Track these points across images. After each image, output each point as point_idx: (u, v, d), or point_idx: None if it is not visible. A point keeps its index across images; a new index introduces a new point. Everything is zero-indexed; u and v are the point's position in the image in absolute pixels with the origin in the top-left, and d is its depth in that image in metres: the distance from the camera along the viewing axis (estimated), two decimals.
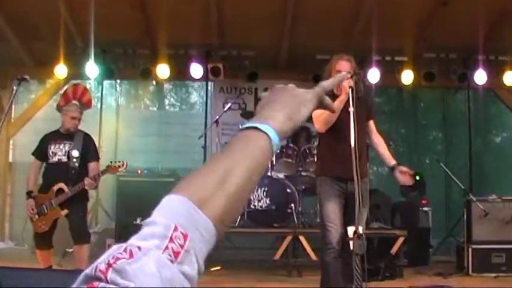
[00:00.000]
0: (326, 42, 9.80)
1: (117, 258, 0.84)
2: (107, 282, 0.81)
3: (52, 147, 7.06)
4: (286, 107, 1.23)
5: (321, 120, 5.48)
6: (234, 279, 7.96)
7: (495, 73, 10.83)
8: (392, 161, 5.70)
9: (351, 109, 5.02)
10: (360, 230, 4.84)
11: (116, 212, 9.36)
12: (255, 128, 1.13)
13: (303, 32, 10.35)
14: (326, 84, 1.38)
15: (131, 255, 0.85)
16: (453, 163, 11.81)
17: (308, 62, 10.54)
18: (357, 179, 4.77)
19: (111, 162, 7.09)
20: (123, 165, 6.95)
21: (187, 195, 0.96)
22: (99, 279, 0.81)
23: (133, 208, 8.38)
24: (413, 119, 12.98)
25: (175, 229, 0.90)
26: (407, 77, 10.79)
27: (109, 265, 0.83)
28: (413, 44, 10.34)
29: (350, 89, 5.15)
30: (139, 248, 0.86)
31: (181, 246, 0.89)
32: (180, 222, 0.92)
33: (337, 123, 5.39)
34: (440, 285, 7.32)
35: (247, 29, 10.41)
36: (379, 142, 5.80)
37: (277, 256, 8.49)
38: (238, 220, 8.64)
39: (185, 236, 0.90)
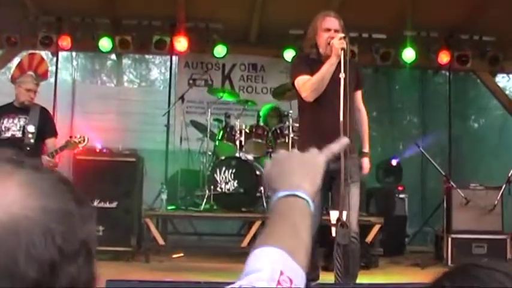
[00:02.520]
0: (300, 17, 9.63)
1: None
2: None
3: (5, 121, 6.83)
4: (307, 175, 1.39)
5: (309, 86, 5.25)
6: (197, 268, 7.81)
7: (478, 54, 10.80)
8: (365, 147, 5.61)
9: (342, 75, 4.84)
10: (344, 216, 4.72)
11: None
12: (294, 195, 1.32)
13: (275, 4, 10.17)
14: (335, 149, 1.56)
15: None
16: (429, 148, 11.79)
17: (280, 37, 10.39)
18: (344, 157, 4.62)
19: (70, 137, 6.89)
20: (83, 140, 6.76)
21: (279, 247, 1.17)
22: None
23: (91, 190, 8.11)
24: (387, 102, 12.92)
25: (282, 273, 1.10)
26: (385, 56, 10.73)
27: None
28: (392, 21, 10.23)
29: (342, 51, 4.94)
30: (254, 287, 1.07)
31: None
32: (284, 268, 1.12)
33: (324, 91, 5.21)
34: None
35: (216, 1, 10.21)
36: (361, 118, 5.65)
37: (245, 243, 8.35)
38: (203, 204, 8.51)
39: (291, 280, 1.10)
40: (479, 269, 1.02)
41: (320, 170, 1.43)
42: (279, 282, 1.06)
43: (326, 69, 5.12)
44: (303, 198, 1.31)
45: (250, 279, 1.08)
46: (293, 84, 5.48)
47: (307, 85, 5.25)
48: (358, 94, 5.59)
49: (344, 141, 1.60)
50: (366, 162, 5.66)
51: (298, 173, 1.38)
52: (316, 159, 1.45)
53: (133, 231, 8.20)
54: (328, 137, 5.33)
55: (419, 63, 11.06)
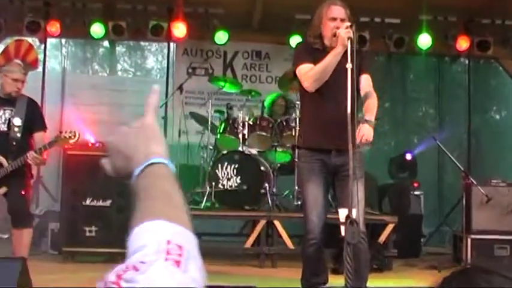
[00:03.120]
0: (307, 0, 9.62)
1: (124, 271, 1.01)
2: None
3: None
4: (148, 139, 1.41)
5: (311, 76, 5.28)
6: None
7: (501, 40, 10.77)
8: (367, 115, 5.37)
9: (349, 65, 4.84)
10: (354, 213, 4.72)
11: (60, 192, 9.12)
12: (149, 165, 1.33)
13: None
14: (152, 100, 1.50)
15: (136, 269, 1.02)
16: (446, 142, 11.80)
17: (285, 22, 10.39)
18: (352, 151, 4.62)
19: (60, 132, 6.84)
20: (74, 136, 6.68)
21: (157, 218, 1.17)
22: None
23: (82, 187, 8.17)
24: (401, 92, 12.91)
25: (169, 242, 1.09)
26: (398, 42, 10.73)
27: (119, 277, 1.00)
28: (407, 4, 10.20)
29: (349, 41, 4.95)
30: (142, 262, 1.03)
31: (180, 256, 1.06)
32: (171, 237, 1.11)
33: (327, 81, 5.23)
34: None
35: None
36: (370, 95, 5.50)
37: (248, 244, 8.39)
38: (203, 202, 8.53)
39: (180, 247, 1.09)
40: (480, 274, 1.02)
41: (156, 128, 1.44)
42: (167, 252, 1.06)
43: (330, 59, 5.14)
44: (159, 163, 1.33)
45: (137, 258, 1.05)
46: (295, 72, 5.51)
47: (309, 74, 5.28)
48: (363, 78, 5.49)
49: (155, 88, 1.54)
50: (366, 128, 5.24)
51: (140, 144, 1.39)
52: (146, 122, 1.44)
53: (128, 232, 8.21)
54: (328, 128, 5.34)
55: (436, 50, 11.05)
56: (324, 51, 5.34)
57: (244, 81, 11.32)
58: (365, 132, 5.20)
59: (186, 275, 1.04)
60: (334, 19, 5.33)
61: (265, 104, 9.58)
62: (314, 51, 5.42)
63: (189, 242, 1.12)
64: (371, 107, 5.37)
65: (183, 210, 1.24)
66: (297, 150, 5.66)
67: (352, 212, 4.68)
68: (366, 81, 5.48)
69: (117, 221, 8.04)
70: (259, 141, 9.04)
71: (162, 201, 1.24)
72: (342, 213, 4.83)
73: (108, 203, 8.09)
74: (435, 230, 10.50)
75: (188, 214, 1.23)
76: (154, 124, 1.45)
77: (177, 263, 1.04)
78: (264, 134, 8.89)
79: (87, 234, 8.17)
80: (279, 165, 9.23)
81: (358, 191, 5.03)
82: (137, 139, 1.40)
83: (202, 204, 8.57)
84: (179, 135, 9.74)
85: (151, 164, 1.33)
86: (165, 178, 1.31)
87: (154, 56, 13.72)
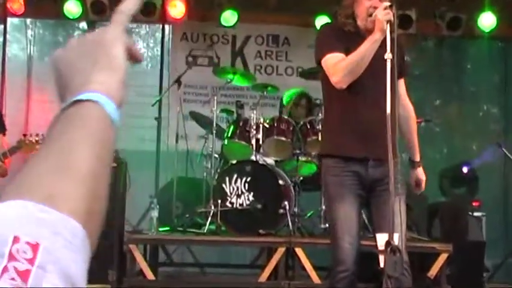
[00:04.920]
0: None
1: None
2: None
3: None
4: (94, 61, 1.22)
5: (342, 68, 5.22)
6: None
7: None
8: (416, 156, 5.63)
9: (388, 55, 4.84)
10: (396, 239, 4.73)
11: None
12: (75, 102, 1.12)
13: None
14: (126, 6, 1.34)
15: None
16: None
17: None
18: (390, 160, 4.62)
19: (24, 135, 6.89)
20: (43, 140, 6.73)
21: (23, 197, 0.92)
22: None
23: None
24: (456, 86, 12.89)
25: (16, 240, 0.85)
26: (453, 23, 10.72)
27: None
28: None
29: (388, 24, 4.96)
30: None
31: (31, 262, 0.84)
32: (23, 230, 0.87)
33: (362, 76, 5.22)
34: None
35: None
36: (407, 114, 5.60)
37: (263, 278, 8.37)
38: (207, 224, 8.54)
39: (35, 246, 0.86)
40: None
41: (113, 47, 1.25)
42: (11, 256, 0.83)
43: (367, 48, 5.12)
44: (90, 100, 1.12)
45: None
46: (319, 63, 5.47)
47: (339, 67, 5.23)
48: (401, 84, 5.56)
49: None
50: (421, 173, 5.67)
51: (81, 65, 1.22)
52: (102, 36, 1.27)
53: (112, 262, 8.23)
54: (364, 133, 5.33)
55: (501, 33, 11.04)
56: (358, 34, 5.32)
57: (257, 73, 11.37)
58: (423, 178, 5.60)
59: None
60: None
61: (284, 101, 9.59)
62: (344, 35, 5.39)
63: (56, 236, 0.89)
64: (415, 141, 5.67)
65: (81, 183, 0.99)
66: (323, 160, 5.59)
67: (393, 237, 4.69)
68: (402, 89, 5.53)
69: (98, 248, 7.97)
70: (277, 149, 9.05)
71: (54, 167, 1.00)
72: (381, 239, 4.84)
73: None
74: (501, 262, 10.46)
75: (100, 198, 1.03)
76: (114, 42, 1.26)
77: (24, 274, 0.83)
78: (283, 139, 8.89)
79: None
80: (301, 178, 9.21)
81: (401, 211, 5.04)
82: (80, 58, 1.24)
83: (206, 228, 8.55)
84: (176, 141, 9.70)
85: (79, 101, 1.12)
86: (84, 127, 1.09)
87: (145, 41, 13.75)
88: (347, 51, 5.25)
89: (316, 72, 8.72)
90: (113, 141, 1.12)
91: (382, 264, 4.69)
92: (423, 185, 5.65)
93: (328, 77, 5.35)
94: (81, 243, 0.91)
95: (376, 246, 4.91)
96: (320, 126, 8.63)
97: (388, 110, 4.73)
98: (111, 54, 1.23)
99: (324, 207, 8.60)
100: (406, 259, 5.25)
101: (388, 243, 4.64)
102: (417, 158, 5.62)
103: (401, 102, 5.41)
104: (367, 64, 5.10)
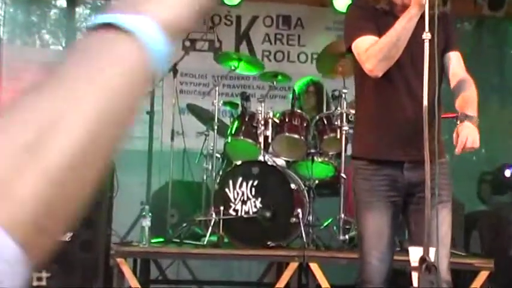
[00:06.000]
0: None
1: None
2: None
3: None
4: None
5: (376, 53, 5.16)
6: None
7: None
8: (468, 110, 5.19)
9: (427, 35, 4.80)
10: (432, 254, 4.70)
11: None
12: (111, 26, 0.97)
13: None
14: None
15: None
16: None
17: None
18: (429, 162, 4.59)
19: None
20: None
21: None
22: None
23: None
24: (497, 75, 12.88)
25: None
26: (495, 2, 10.70)
27: None
28: None
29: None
30: None
31: None
32: None
33: (400, 63, 5.18)
34: None
35: None
36: (465, 86, 5.40)
37: None
38: (207, 235, 8.51)
39: None
40: None
41: None
42: None
43: (403, 26, 5.07)
44: (129, 31, 0.96)
45: None
46: (349, 49, 5.43)
47: (372, 51, 5.17)
48: (453, 57, 5.45)
49: None
50: (469, 128, 5.00)
51: None
52: None
53: (96, 279, 8.22)
54: (401, 131, 5.28)
55: None
56: (391, 13, 5.29)
57: (266, 59, 11.40)
58: (470, 133, 4.97)
59: None
60: None
61: (297, 92, 9.55)
62: (377, 15, 5.36)
63: None
64: (471, 100, 5.17)
65: (39, 172, 0.84)
66: (353, 161, 5.54)
67: (429, 251, 4.65)
68: (457, 62, 5.40)
69: (81, 263, 8.04)
70: (289, 148, 9.04)
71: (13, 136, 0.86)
72: (414, 253, 4.82)
73: (67, 236, 8.07)
74: None
75: (77, 192, 0.88)
76: None
77: None
78: (295, 136, 8.87)
79: (35, 283, 8.16)
80: (317, 182, 9.17)
81: (444, 221, 5.01)
82: None
83: (205, 239, 8.49)
84: (172, 138, 9.70)
85: (114, 26, 0.97)
86: (93, 85, 0.91)
87: None
88: (380, 34, 5.21)
89: (333, 59, 8.82)
90: (136, 102, 0.97)
91: (415, 284, 4.67)
92: (463, 143, 4.95)
93: (360, 67, 5.34)
94: (11, 271, 0.79)
95: (408, 261, 4.89)
96: (339, 122, 8.60)
97: (425, 102, 4.66)
98: None
99: (343, 215, 8.58)
100: (448, 279, 5.22)
101: (423, 259, 4.61)
102: (469, 112, 5.07)
103: (459, 76, 5.29)
104: (404, 46, 5.03)
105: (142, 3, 0.99)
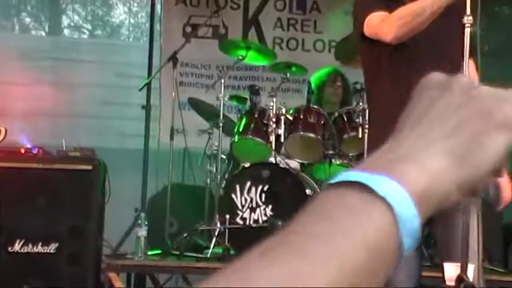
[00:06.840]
0: None
1: None
2: None
3: None
4: (454, 132, 1.03)
5: (395, 19, 5.14)
6: None
7: None
8: None
9: (468, 20, 4.75)
10: (470, 272, 4.64)
11: None
12: (364, 186, 0.95)
13: None
14: None
15: None
16: None
17: None
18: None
19: None
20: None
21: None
22: None
23: (11, 222, 8.12)
24: None
25: None
26: None
27: None
28: None
29: None
30: None
31: None
32: None
33: (422, 53, 5.16)
34: None
35: None
36: None
37: None
38: (210, 247, 8.46)
39: None
40: None
41: (503, 128, 1.02)
42: None
43: (428, 3, 5.06)
44: (383, 199, 0.94)
45: None
46: (362, 34, 5.40)
47: (391, 18, 5.17)
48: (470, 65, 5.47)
49: None
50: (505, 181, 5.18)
51: (434, 125, 1.05)
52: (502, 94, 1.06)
53: None
54: None
55: None
56: (402, 2, 5.26)
57: (278, 47, 11.38)
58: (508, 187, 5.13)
59: None
60: None
61: (313, 85, 9.49)
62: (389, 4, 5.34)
63: None
64: None
65: None
66: None
67: (467, 269, 4.60)
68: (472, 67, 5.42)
69: (68, 277, 7.99)
70: (304, 148, 9.03)
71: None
72: (450, 270, 4.76)
73: (52, 248, 8.04)
74: None
75: None
76: (490, 93, 1.07)
77: None
78: (311, 135, 8.84)
79: None
80: None
81: (474, 232, 4.94)
82: (433, 110, 1.08)
83: (209, 252, 8.50)
84: (171, 137, 9.62)
85: (366, 188, 0.95)
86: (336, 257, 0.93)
87: (125, 4, 13.78)
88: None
89: (354, 48, 8.77)
90: (387, 269, 0.94)
91: None
92: (506, 196, 5.17)
93: (374, 54, 5.31)
94: None
95: (443, 278, 4.83)
96: (360, 119, 8.53)
97: None
98: (486, 139, 1.02)
99: None
100: None
101: (461, 278, 4.55)
102: None
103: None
104: (427, 22, 5.01)
105: (397, 162, 0.98)
